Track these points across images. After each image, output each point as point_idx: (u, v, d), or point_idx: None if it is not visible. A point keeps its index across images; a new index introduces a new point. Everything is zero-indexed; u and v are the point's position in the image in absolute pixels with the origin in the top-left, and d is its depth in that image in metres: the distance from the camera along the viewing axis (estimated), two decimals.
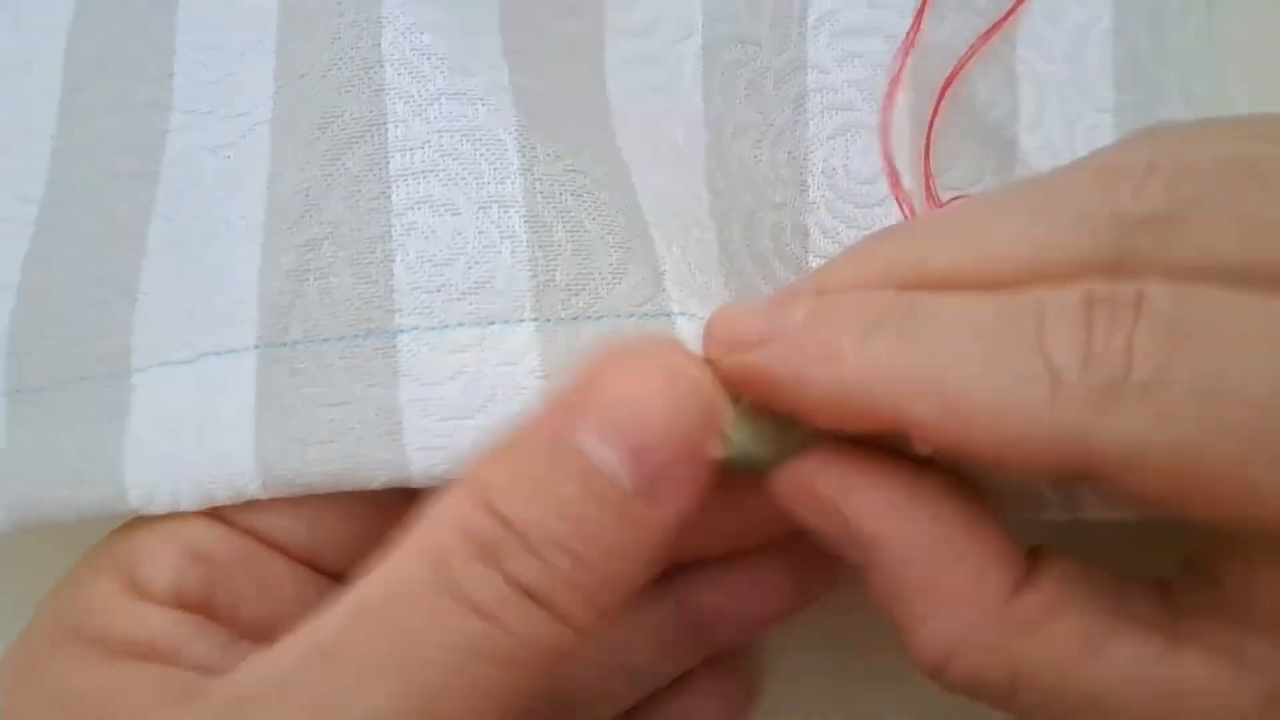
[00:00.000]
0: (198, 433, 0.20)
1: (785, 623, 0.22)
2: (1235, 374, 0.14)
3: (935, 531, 0.16)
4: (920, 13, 0.22)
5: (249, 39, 0.22)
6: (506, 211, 0.20)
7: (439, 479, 0.19)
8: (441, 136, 0.20)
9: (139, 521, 0.20)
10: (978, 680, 0.16)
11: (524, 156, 0.20)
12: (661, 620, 0.21)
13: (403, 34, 0.20)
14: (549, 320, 0.19)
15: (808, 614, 0.22)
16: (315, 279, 0.20)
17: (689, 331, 0.19)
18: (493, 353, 0.19)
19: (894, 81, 0.22)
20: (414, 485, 0.19)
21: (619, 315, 0.19)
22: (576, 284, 0.20)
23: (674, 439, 0.15)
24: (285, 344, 0.20)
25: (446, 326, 0.19)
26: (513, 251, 0.20)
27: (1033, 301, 0.15)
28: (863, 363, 0.15)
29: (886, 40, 0.22)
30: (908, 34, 0.22)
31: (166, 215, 0.21)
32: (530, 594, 0.15)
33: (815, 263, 0.22)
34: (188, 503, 0.19)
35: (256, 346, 0.20)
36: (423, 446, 0.19)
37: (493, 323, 0.19)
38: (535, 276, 0.20)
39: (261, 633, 0.18)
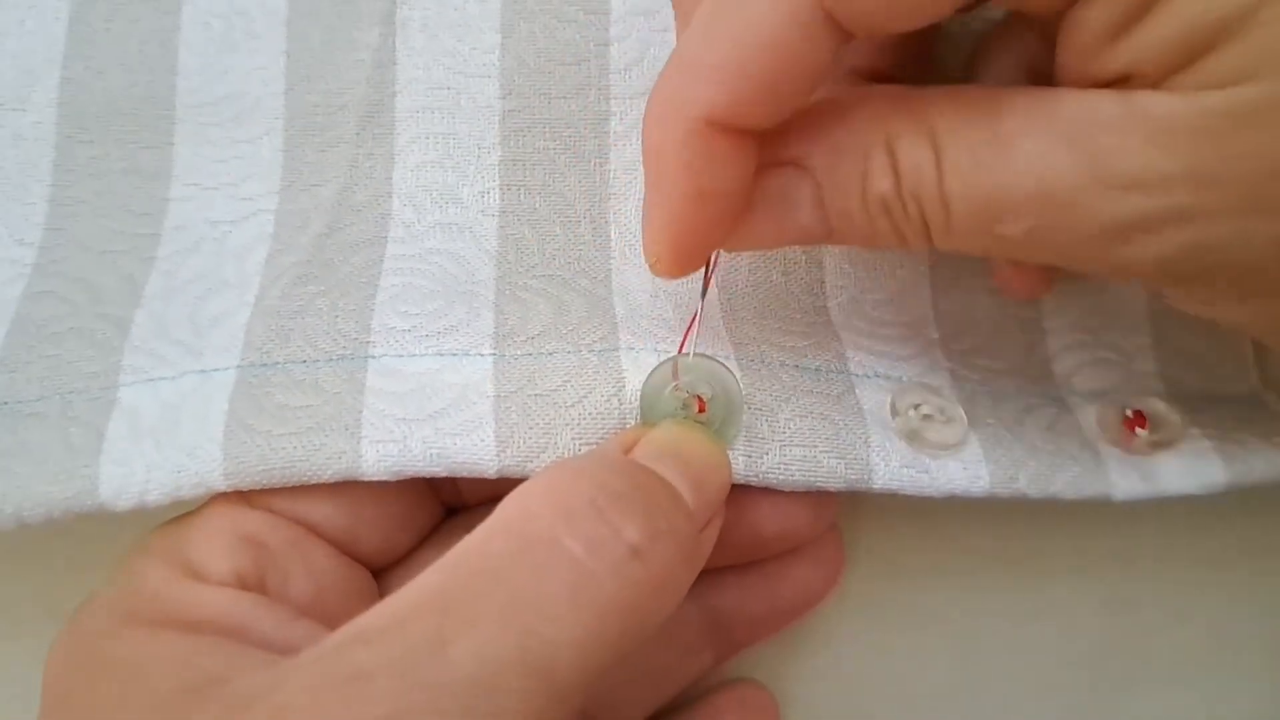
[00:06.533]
0: (170, 430, 0.21)
1: (798, 620, 0.23)
2: None
3: None
4: None
5: (254, 131, 0.25)
6: (477, 298, 0.23)
7: (387, 473, 0.20)
8: (431, 254, 0.23)
9: (186, 516, 0.20)
10: None
11: (499, 268, 0.23)
12: (684, 624, 0.22)
13: (411, 171, 0.24)
14: (504, 356, 0.22)
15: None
16: (301, 319, 0.22)
17: (631, 362, 0.21)
18: (451, 376, 0.21)
19: None
20: (365, 478, 0.20)
21: (568, 352, 0.22)
22: (532, 332, 0.22)
23: (718, 493, 0.20)
24: (266, 365, 0.22)
25: (413, 355, 0.22)
26: (479, 316, 0.22)
27: None
28: None
29: None
30: None
31: (166, 271, 0.23)
32: (636, 553, 0.16)
33: (832, 299, 0.23)
34: (155, 495, 0.20)
35: (239, 366, 0.22)
36: (378, 439, 0.20)
37: (454, 354, 0.22)
38: (497, 329, 0.22)
39: (311, 614, 0.19)
